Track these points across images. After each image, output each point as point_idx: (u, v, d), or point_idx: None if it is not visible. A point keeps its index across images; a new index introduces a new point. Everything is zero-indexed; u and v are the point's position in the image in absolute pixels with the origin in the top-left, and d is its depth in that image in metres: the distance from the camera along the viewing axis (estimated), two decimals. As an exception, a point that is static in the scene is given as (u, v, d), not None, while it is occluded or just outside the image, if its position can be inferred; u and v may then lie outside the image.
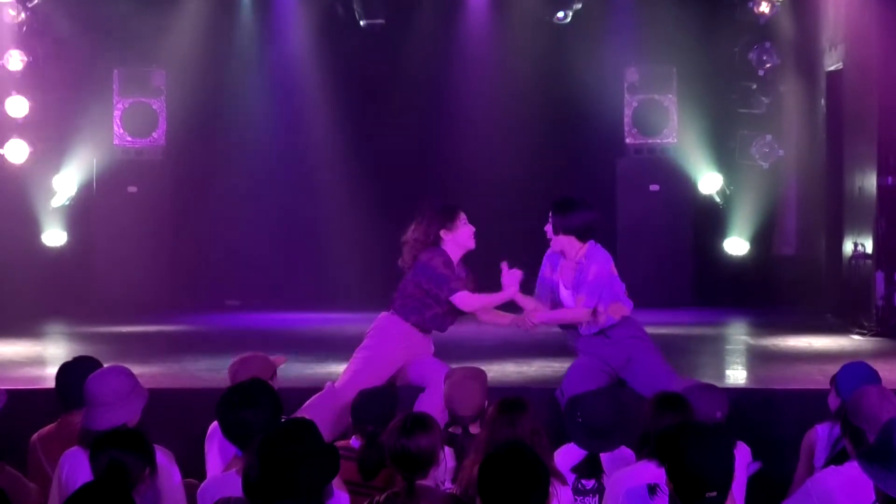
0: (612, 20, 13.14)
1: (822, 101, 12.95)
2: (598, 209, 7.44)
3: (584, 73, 13.05)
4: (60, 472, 5.20)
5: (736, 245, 13.45)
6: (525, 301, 7.32)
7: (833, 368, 6.26)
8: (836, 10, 12.36)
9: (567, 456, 5.79)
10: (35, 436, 5.91)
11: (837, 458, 5.33)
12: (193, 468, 5.85)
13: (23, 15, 12.29)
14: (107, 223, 13.15)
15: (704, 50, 13.04)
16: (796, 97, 13.18)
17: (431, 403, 6.76)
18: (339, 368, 7.54)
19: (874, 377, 5.84)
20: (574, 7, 12.86)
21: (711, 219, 13.46)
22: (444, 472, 5.08)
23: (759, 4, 12.43)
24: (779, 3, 12.52)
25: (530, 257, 7.47)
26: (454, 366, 6.86)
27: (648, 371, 7.16)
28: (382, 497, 4.77)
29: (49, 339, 11.31)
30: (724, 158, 13.37)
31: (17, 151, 12.41)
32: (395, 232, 7.54)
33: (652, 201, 13.28)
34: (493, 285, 7.29)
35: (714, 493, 4.15)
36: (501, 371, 8.46)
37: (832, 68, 12.58)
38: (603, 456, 5.77)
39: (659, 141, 13.45)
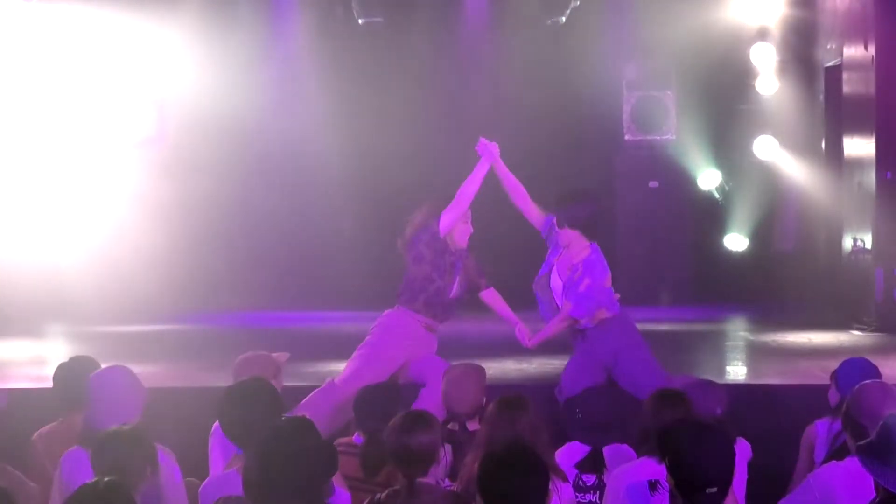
0: (611, 17, 13.13)
1: (821, 97, 12.94)
2: (605, 199, 7.40)
3: (582, 70, 13.03)
4: (61, 472, 5.20)
5: (735, 241, 13.46)
6: (509, 316, 7.40)
7: (833, 364, 6.27)
8: (835, 6, 12.36)
9: (569, 453, 5.79)
10: (36, 435, 5.92)
11: (837, 453, 5.34)
12: (194, 467, 5.86)
13: (24, 11, 12.30)
14: (107, 223, 13.14)
15: (703, 46, 13.02)
16: (795, 93, 13.17)
17: (431, 400, 6.76)
18: (338, 367, 7.54)
19: (875, 373, 5.84)
20: (571, 5, 12.88)
21: (710, 215, 13.46)
22: (444, 468, 5.09)
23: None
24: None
25: (529, 255, 7.48)
26: (454, 363, 6.87)
27: (634, 369, 7.12)
28: (383, 495, 4.78)
29: (51, 338, 11.31)
30: (723, 154, 13.37)
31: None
32: (394, 230, 7.56)
33: (651, 198, 13.29)
34: (493, 285, 7.33)
35: (714, 489, 4.15)
36: (502, 368, 8.46)
37: (831, 63, 12.57)
38: (604, 452, 5.78)
39: (658, 137, 13.45)
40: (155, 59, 13.30)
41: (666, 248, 13.16)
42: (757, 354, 9.97)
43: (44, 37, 12.58)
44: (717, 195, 13.40)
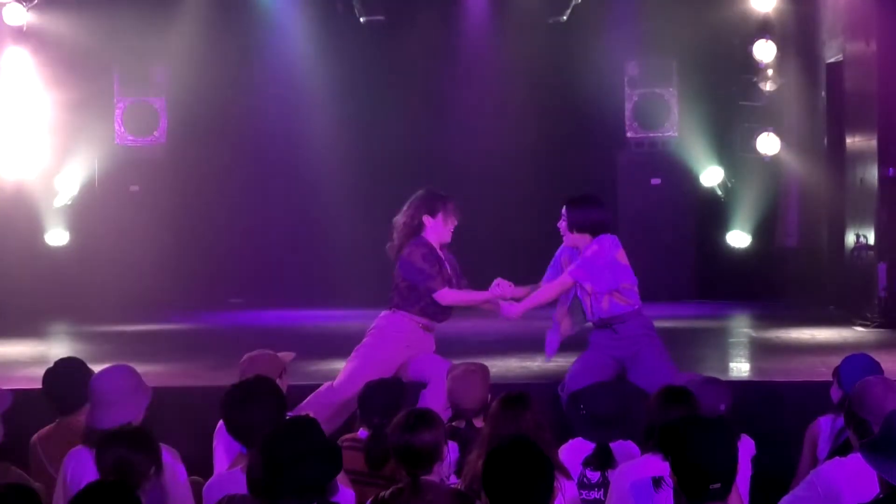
0: (612, 14, 13.13)
1: (823, 93, 12.93)
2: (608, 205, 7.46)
3: (584, 68, 13.03)
4: (65, 472, 5.21)
5: (738, 238, 13.45)
6: (515, 291, 7.34)
7: (836, 360, 6.27)
8: (837, 2, 12.34)
9: (574, 450, 5.80)
10: (35, 436, 5.93)
11: (840, 449, 5.34)
12: (199, 466, 5.86)
13: (24, 14, 12.28)
14: (109, 222, 13.15)
15: (704, 42, 13.02)
16: (797, 89, 13.16)
17: (434, 399, 6.77)
18: (341, 365, 7.54)
19: (877, 369, 5.85)
20: (573, 3, 12.88)
21: (713, 212, 13.45)
22: (449, 466, 5.09)
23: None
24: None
25: (531, 252, 7.48)
26: (456, 361, 6.88)
27: (651, 368, 7.15)
28: (387, 493, 4.78)
29: (52, 338, 11.31)
30: (725, 151, 13.36)
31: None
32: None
33: (653, 195, 13.29)
34: (490, 284, 7.34)
35: (718, 486, 4.15)
36: (505, 367, 8.46)
37: (832, 60, 12.56)
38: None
39: (660, 134, 13.45)
40: (155, 59, 13.32)
41: (668, 246, 13.15)
42: (760, 351, 9.96)
43: (44, 37, 12.59)
44: (719, 192, 13.39)
